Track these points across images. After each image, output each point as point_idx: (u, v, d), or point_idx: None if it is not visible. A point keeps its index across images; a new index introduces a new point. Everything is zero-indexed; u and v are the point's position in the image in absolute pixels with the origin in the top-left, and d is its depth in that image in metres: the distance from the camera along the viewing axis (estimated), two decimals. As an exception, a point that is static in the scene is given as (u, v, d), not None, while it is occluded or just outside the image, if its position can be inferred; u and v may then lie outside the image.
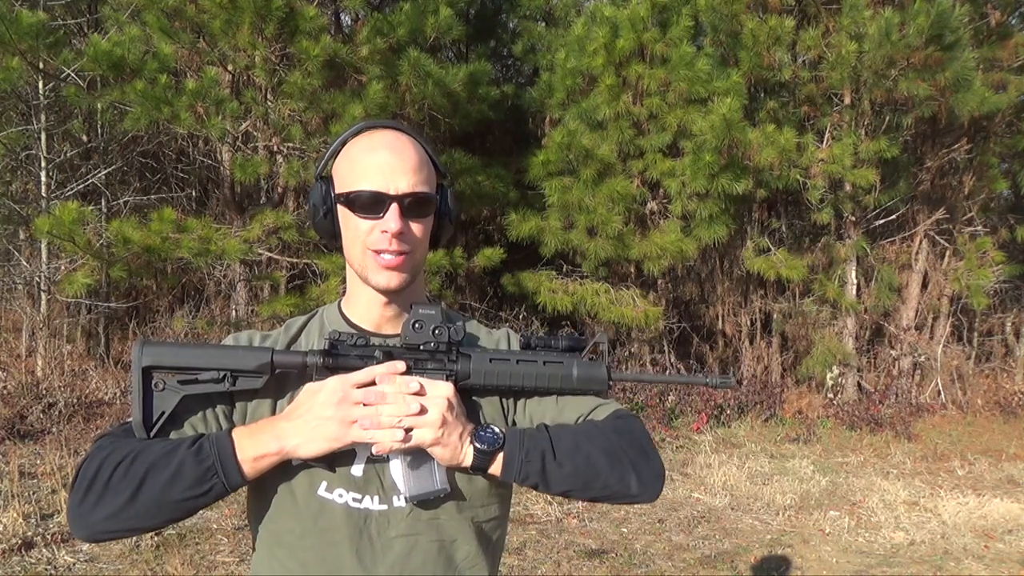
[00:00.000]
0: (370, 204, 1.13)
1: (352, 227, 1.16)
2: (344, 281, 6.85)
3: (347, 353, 1.12)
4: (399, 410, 1.07)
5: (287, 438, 1.07)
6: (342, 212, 1.17)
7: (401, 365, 1.11)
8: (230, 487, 1.06)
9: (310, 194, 1.21)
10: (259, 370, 1.11)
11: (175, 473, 1.03)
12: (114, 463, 1.03)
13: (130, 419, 1.10)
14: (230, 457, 1.06)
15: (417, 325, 1.13)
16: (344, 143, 1.19)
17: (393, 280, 1.16)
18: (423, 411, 1.07)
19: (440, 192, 1.21)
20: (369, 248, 1.15)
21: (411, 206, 1.14)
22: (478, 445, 1.10)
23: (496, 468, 1.11)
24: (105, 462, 1.04)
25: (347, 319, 1.25)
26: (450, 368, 1.14)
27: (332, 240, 1.21)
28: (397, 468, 1.14)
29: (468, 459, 1.10)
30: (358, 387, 1.08)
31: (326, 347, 1.11)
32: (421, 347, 1.13)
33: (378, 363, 1.10)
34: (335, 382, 1.08)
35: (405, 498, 1.13)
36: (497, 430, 1.12)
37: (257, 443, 1.07)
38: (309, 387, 1.10)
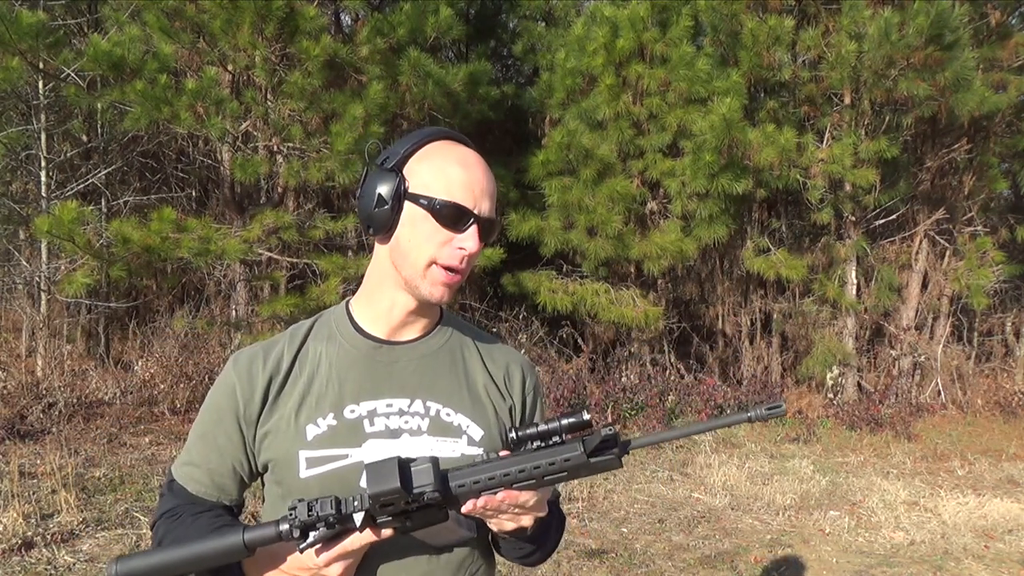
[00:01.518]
0: (454, 218, 1.12)
1: (426, 233, 1.13)
2: (345, 281, 6.87)
3: (323, 527, 1.03)
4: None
5: None
6: (413, 213, 1.13)
7: (387, 533, 1.04)
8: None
9: (371, 179, 1.15)
10: (238, 556, 1.05)
11: None
12: (160, 543, 1.17)
13: (174, 468, 1.22)
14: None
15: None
16: (423, 143, 1.16)
17: (445, 295, 1.15)
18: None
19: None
20: (438, 260, 1.13)
21: (486, 230, 1.14)
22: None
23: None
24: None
25: (356, 323, 1.23)
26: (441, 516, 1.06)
27: (380, 232, 1.16)
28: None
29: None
30: (346, 555, 1.05)
31: (295, 525, 1.02)
32: (405, 504, 1.02)
33: (358, 529, 1.03)
34: (326, 557, 1.04)
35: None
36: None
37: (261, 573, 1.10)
38: (302, 561, 1.06)
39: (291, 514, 1.02)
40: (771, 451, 6.73)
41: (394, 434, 1.16)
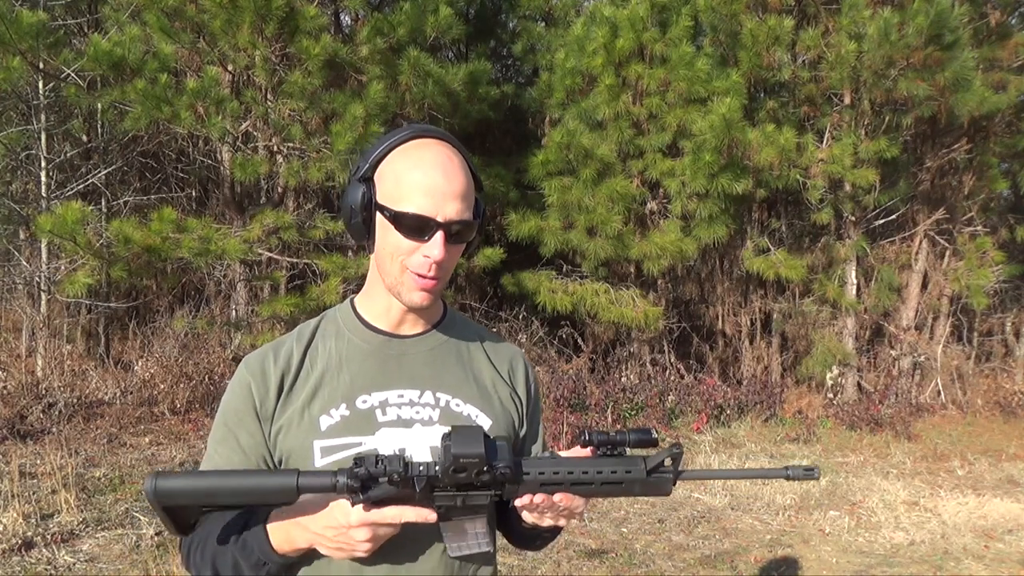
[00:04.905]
0: (417, 227, 1.12)
1: (393, 243, 1.14)
2: (345, 281, 6.85)
3: (382, 485, 1.03)
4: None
5: (313, 539, 1.08)
6: (382, 222, 1.15)
7: (432, 516, 1.06)
8: (282, 565, 1.12)
9: (347, 191, 1.18)
10: (284, 498, 1.05)
11: (234, 566, 1.11)
12: (191, 544, 1.16)
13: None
14: (268, 550, 1.10)
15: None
16: (391, 148, 1.15)
17: (425, 300, 1.17)
18: None
19: (477, 208, 1.19)
20: (409, 268, 1.14)
21: (455, 233, 1.14)
22: None
23: None
24: (193, 546, 1.16)
25: (362, 319, 1.25)
26: (496, 494, 1.08)
27: (361, 240, 1.19)
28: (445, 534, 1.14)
29: None
30: (383, 523, 1.05)
31: (358, 474, 1.01)
32: (476, 474, 1.05)
33: (416, 495, 1.04)
34: (364, 529, 1.04)
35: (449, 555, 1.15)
36: None
37: (289, 538, 1.09)
38: (340, 507, 1.05)
39: (357, 464, 1.02)
40: (771, 451, 6.73)
41: (406, 424, 1.18)
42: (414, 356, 1.24)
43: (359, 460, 1.02)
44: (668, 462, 1.11)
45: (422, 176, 1.11)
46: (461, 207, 1.13)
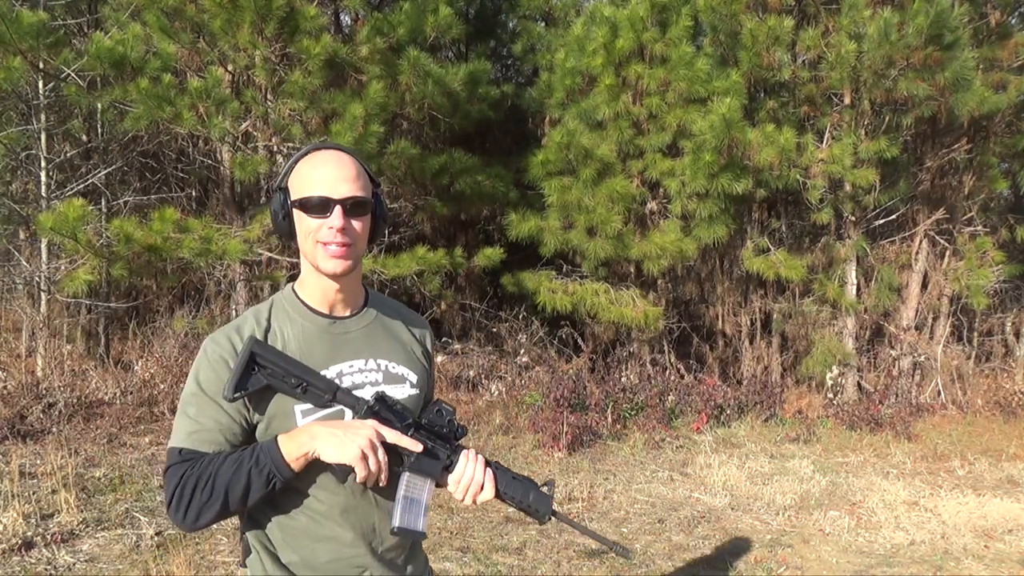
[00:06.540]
0: (319, 206, 1.44)
1: (305, 226, 1.46)
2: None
3: (390, 412, 1.48)
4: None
5: (318, 440, 1.40)
6: (297, 215, 1.47)
7: (419, 447, 1.48)
8: (287, 479, 1.42)
9: (271, 203, 1.51)
10: (327, 390, 1.45)
11: (247, 485, 1.39)
12: (193, 487, 1.38)
13: (177, 444, 1.42)
14: (280, 461, 1.40)
15: (438, 412, 1.54)
16: (297, 162, 1.49)
17: (339, 266, 1.46)
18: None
19: (375, 197, 1.52)
20: (319, 241, 1.45)
21: (352, 207, 1.45)
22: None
23: None
24: (191, 489, 1.38)
25: (304, 302, 1.54)
26: (447, 459, 1.51)
27: (290, 239, 1.51)
28: (397, 502, 1.48)
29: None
30: (385, 438, 1.45)
31: (377, 399, 1.48)
32: (436, 428, 1.52)
33: (407, 432, 1.48)
34: (372, 429, 1.43)
35: (393, 529, 1.47)
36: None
37: (297, 445, 1.40)
38: (355, 421, 1.46)
39: (378, 399, 1.48)
40: (771, 451, 6.73)
41: (359, 386, 1.52)
42: (355, 333, 1.56)
43: (379, 398, 1.48)
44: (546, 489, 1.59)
45: (317, 170, 1.45)
46: (354, 187, 1.45)
